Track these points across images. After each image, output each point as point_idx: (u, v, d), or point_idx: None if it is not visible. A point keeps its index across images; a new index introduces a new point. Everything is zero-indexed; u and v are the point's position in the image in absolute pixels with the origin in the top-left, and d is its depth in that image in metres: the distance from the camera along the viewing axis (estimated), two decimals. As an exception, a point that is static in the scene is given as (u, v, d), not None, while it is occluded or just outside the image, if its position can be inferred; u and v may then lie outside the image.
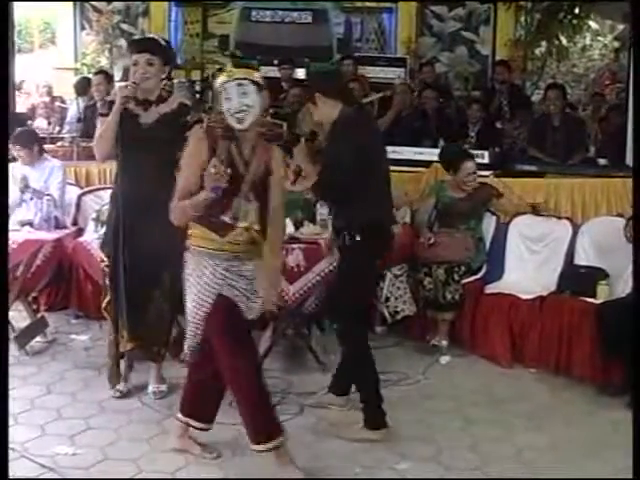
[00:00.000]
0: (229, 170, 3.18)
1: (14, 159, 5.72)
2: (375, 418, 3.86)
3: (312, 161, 4.01)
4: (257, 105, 3.28)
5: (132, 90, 3.91)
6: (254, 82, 3.29)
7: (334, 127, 3.90)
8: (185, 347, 3.47)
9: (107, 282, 4.19)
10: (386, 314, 5.26)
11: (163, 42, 4.23)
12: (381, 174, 3.97)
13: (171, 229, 3.92)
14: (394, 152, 5.68)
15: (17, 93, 8.47)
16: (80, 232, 5.72)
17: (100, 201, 5.53)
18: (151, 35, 6.70)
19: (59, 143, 7.00)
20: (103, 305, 4.26)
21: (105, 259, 4.19)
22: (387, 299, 5.24)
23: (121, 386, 4.23)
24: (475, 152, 6.06)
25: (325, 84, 4.06)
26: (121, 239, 4.00)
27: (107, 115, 3.96)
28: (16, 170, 5.60)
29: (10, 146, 5.64)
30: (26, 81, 9.56)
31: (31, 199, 5.50)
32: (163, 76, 4.06)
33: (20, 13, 9.70)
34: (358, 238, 3.79)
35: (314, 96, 3.94)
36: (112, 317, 4.16)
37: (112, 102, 3.98)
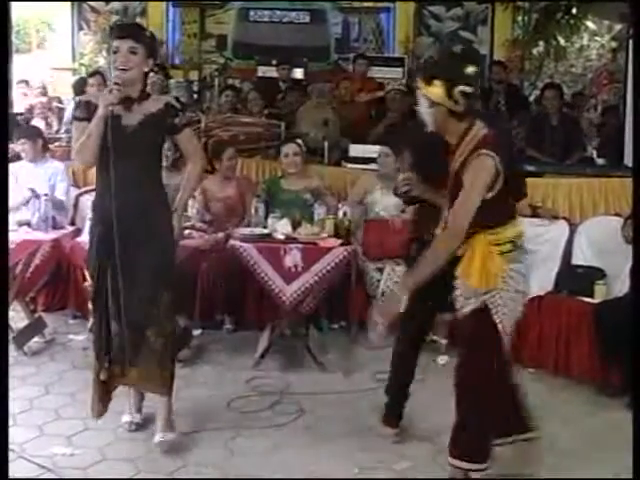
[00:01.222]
0: None
1: (18, 157, 5.75)
2: (393, 416, 3.90)
3: None
4: (430, 121, 3.16)
5: (116, 96, 3.42)
6: (424, 96, 3.14)
7: None
8: None
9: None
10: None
11: (147, 32, 3.81)
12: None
13: (163, 240, 3.62)
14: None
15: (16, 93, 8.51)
16: (78, 232, 5.73)
17: (98, 201, 5.53)
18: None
19: (57, 143, 7.01)
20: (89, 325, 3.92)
21: (89, 278, 3.79)
22: (384, 293, 5.27)
23: (136, 417, 3.84)
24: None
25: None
26: (108, 255, 3.52)
27: (83, 119, 3.53)
28: (20, 170, 5.63)
29: (14, 141, 5.69)
30: (23, 81, 9.57)
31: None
32: (146, 69, 3.63)
33: (18, 13, 9.70)
34: None
35: None
36: (93, 342, 3.72)
37: (87, 103, 3.56)
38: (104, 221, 3.53)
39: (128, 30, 3.64)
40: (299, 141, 5.71)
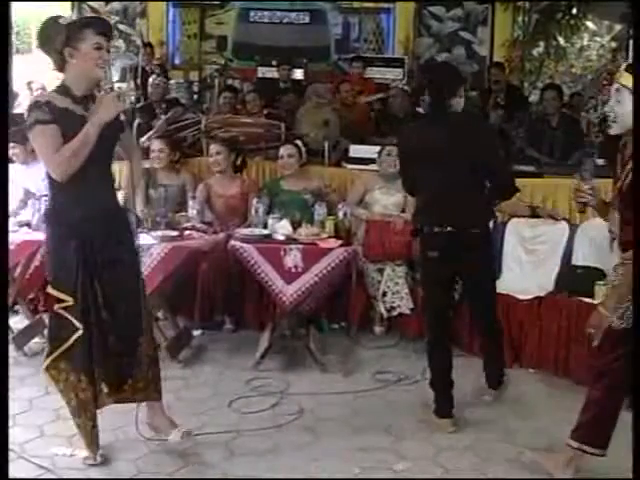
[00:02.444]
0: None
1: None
2: (444, 406, 4.02)
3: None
4: (626, 112, 3.08)
5: (125, 104, 3.31)
6: (626, 86, 3.08)
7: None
8: None
9: (63, 325, 3.39)
10: (382, 309, 5.29)
11: None
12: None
13: (130, 245, 3.52)
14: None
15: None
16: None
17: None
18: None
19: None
20: (47, 362, 3.44)
21: (66, 298, 3.35)
22: (384, 294, 5.27)
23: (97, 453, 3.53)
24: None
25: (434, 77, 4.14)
26: (92, 269, 3.36)
27: (49, 122, 3.20)
28: (13, 174, 5.61)
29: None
30: (20, 81, 9.57)
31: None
32: None
33: (18, 14, 9.70)
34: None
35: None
36: (83, 368, 3.40)
37: (48, 104, 3.24)
38: (77, 233, 3.32)
39: (109, 27, 3.44)
40: (298, 142, 5.73)
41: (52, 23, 3.32)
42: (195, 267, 5.15)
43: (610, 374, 3.30)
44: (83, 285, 3.34)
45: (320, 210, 5.17)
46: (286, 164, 5.59)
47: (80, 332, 3.34)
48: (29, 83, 9.49)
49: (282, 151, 5.64)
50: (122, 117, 3.37)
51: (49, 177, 3.34)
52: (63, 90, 3.31)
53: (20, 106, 8.26)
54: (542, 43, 10.16)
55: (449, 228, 3.88)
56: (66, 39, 3.24)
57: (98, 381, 3.43)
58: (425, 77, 4.15)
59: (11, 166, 5.67)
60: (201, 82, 9.93)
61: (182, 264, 4.73)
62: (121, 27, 10.33)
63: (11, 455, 3.35)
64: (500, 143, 4.38)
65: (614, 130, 3.20)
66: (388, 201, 5.65)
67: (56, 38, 3.26)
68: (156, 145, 5.78)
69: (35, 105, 3.25)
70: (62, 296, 3.34)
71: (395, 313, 5.29)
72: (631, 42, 6.42)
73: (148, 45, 9.44)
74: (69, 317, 3.34)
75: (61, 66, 3.32)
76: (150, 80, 7.59)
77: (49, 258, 3.44)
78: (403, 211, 5.63)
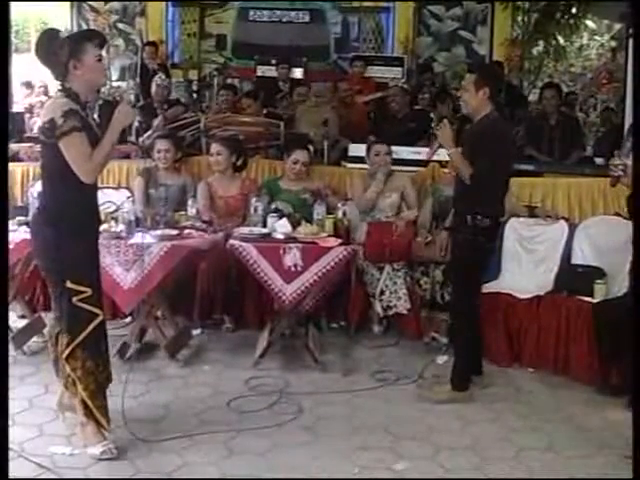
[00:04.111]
0: None
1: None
2: (460, 380, 4.31)
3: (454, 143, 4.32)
4: None
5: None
6: None
7: (483, 125, 4.23)
8: None
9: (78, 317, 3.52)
10: (379, 308, 5.27)
11: None
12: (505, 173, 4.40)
13: None
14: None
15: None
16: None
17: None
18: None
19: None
20: (68, 351, 3.54)
21: (86, 290, 3.51)
22: (382, 292, 5.26)
23: (111, 445, 3.60)
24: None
25: (493, 81, 4.27)
26: (96, 264, 3.68)
27: (81, 130, 3.36)
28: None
29: None
30: (19, 81, 9.57)
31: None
32: None
33: (17, 13, 9.71)
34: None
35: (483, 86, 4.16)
36: (101, 352, 3.64)
37: (77, 112, 3.38)
38: (89, 228, 3.60)
39: (105, 40, 3.65)
40: (311, 148, 5.76)
41: (53, 37, 3.44)
42: (194, 266, 5.15)
43: None
44: (95, 276, 3.62)
45: (319, 209, 5.16)
46: (299, 170, 5.60)
47: (100, 318, 3.57)
48: (27, 83, 9.49)
49: (298, 156, 5.61)
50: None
51: (52, 179, 3.51)
52: (73, 96, 3.44)
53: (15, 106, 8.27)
54: (541, 42, 10.14)
55: (501, 219, 4.45)
56: (69, 52, 3.39)
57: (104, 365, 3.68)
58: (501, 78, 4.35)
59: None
60: (200, 81, 9.92)
61: (181, 263, 4.72)
62: (120, 26, 10.34)
63: (11, 454, 3.35)
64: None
65: None
66: (384, 203, 5.62)
67: (59, 51, 3.39)
68: (163, 145, 5.76)
69: (71, 112, 3.37)
70: (82, 288, 3.50)
71: (391, 312, 5.27)
72: (630, 41, 6.40)
73: (152, 44, 9.40)
74: (88, 307, 3.53)
75: (64, 76, 3.44)
76: (157, 80, 7.51)
77: (59, 254, 3.47)
78: (399, 212, 5.61)
